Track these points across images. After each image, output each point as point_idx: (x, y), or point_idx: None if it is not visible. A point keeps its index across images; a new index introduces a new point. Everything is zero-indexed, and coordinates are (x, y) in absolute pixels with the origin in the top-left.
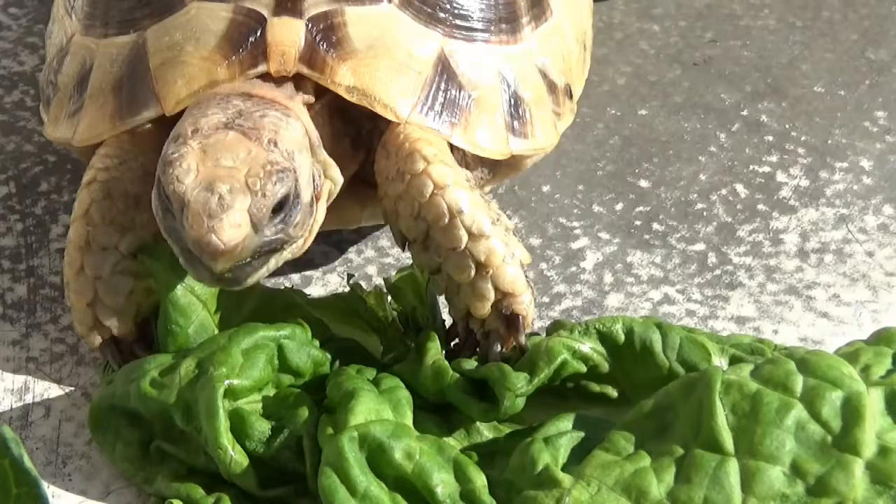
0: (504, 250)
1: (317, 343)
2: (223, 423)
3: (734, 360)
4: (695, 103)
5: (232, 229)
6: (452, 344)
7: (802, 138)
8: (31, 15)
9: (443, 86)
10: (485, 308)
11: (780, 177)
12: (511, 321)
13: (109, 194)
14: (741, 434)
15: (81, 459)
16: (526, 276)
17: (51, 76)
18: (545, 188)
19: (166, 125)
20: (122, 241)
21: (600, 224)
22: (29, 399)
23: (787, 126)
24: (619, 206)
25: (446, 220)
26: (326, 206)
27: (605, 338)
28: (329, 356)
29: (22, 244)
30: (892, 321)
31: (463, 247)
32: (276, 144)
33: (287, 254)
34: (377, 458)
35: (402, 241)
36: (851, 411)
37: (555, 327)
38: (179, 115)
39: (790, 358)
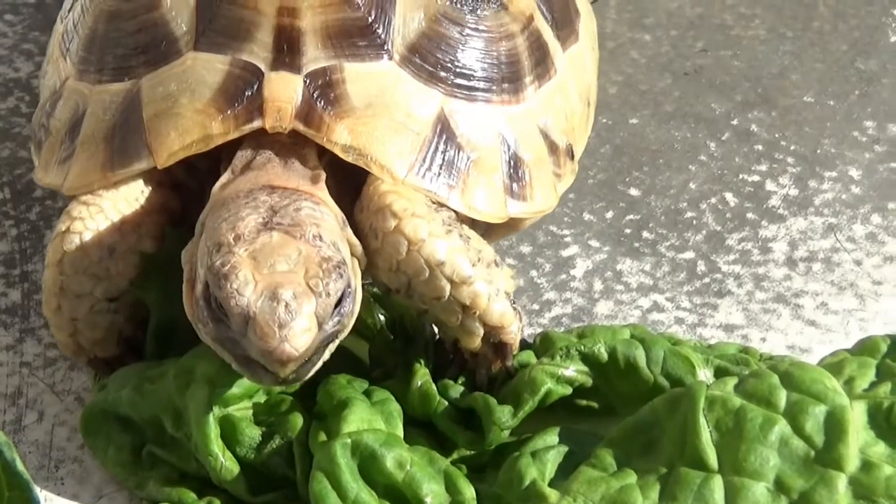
0: (488, 290)
1: None
2: (213, 430)
3: (719, 372)
4: (685, 112)
5: (303, 335)
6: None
7: (792, 147)
8: (27, 22)
9: (441, 147)
10: (474, 342)
11: (770, 186)
12: (499, 348)
13: (83, 246)
14: (725, 451)
15: (74, 464)
16: (513, 305)
17: (43, 119)
18: None
19: (152, 176)
20: (97, 289)
21: (590, 232)
22: (22, 403)
23: (776, 135)
24: (609, 215)
25: (426, 275)
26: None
27: (587, 358)
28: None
29: (16, 249)
30: (880, 330)
31: (447, 296)
32: (321, 238)
33: (337, 342)
34: (369, 465)
35: (386, 290)
36: (834, 426)
37: (543, 342)
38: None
39: (774, 370)
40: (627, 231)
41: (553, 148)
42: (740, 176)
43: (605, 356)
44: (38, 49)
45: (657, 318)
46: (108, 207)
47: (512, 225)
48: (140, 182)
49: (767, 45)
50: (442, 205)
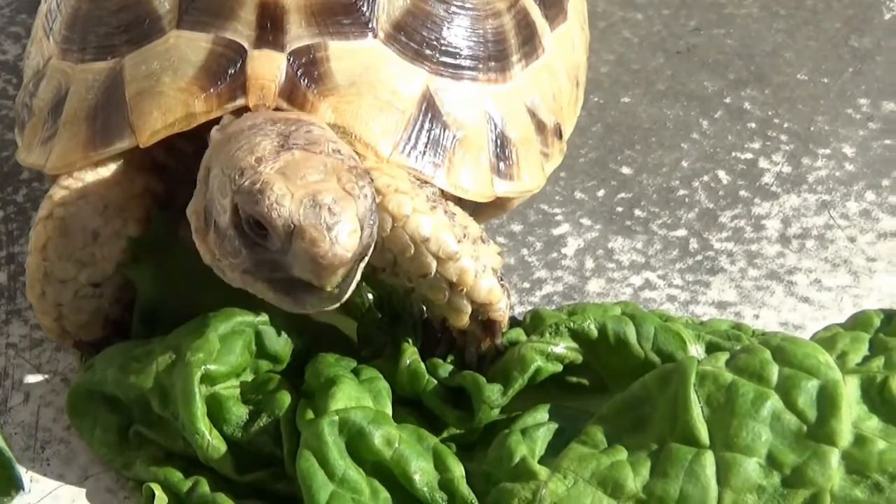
0: (475, 266)
1: (294, 329)
2: (200, 408)
3: (711, 348)
4: (678, 91)
5: (351, 236)
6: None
7: (785, 125)
8: (14, 4)
9: (427, 125)
10: (462, 320)
11: (763, 163)
12: (488, 326)
13: (66, 231)
14: (717, 426)
15: (60, 444)
16: (500, 281)
17: (26, 99)
18: None
19: (135, 158)
20: (81, 274)
21: (582, 210)
22: (8, 385)
23: (769, 113)
24: (600, 193)
25: (412, 251)
26: None
27: (577, 335)
28: (307, 342)
29: (3, 231)
30: (874, 306)
31: (433, 273)
32: (340, 152)
33: (366, 259)
34: (357, 443)
35: (372, 269)
36: (827, 401)
37: (533, 319)
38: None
39: (766, 345)
40: (619, 209)
41: (541, 127)
42: (733, 154)
43: (595, 332)
44: (25, 32)
45: (649, 295)
46: (90, 192)
47: (500, 205)
48: (122, 165)
49: (760, 23)
50: (426, 182)
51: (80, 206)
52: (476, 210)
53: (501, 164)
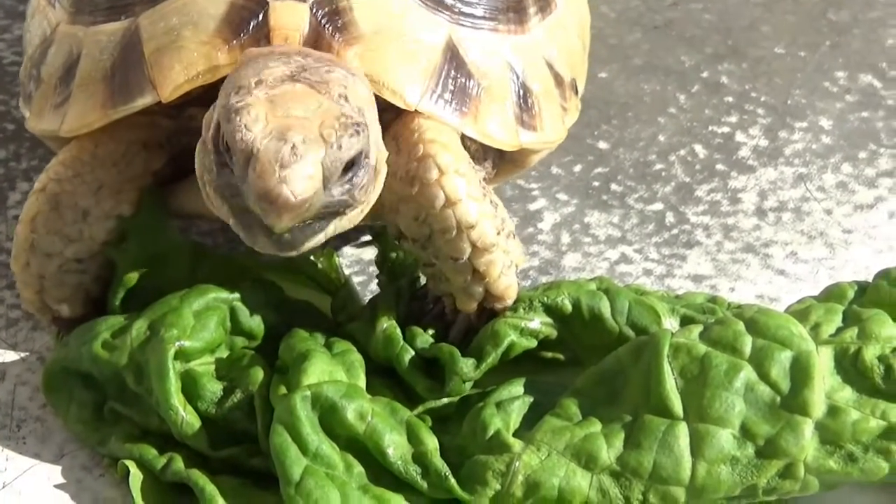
0: (504, 260)
1: (270, 305)
2: (174, 385)
3: (685, 321)
4: (655, 66)
5: (304, 180)
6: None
7: (762, 99)
8: None
9: (452, 73)
10: (470, 306)
11: (740, 137)
12: (485, 313)
13: (57, 206)
14: (690, 398)
15: (36, 423)
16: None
17: (32, 70)
18: None
19: (140, 136)
20: (67, 249)
21: (558, 185)
22: None
23: (746, 87)
24: (577, 168)
25: (453, 234)
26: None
27: (551, 310)
28: (283, 318)
29: None
30: (849, 278)
31: (465, 258)
32: (346, 99)
33: (345, 221)
34: (329, 417)
35: (399, 236)
36: (800, 371)
37: None
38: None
39: (740, 317)
40: (595, 184)
41: (559, 80)
42: (710, 128)
43: (568, 307)
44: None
45: (625, 269)
46: (86, 172)
47: (519, 161)
48: (122, 146)
49: None
50: (475, 162)
51: (74, 184)
52: (495, 165)
53: (525, 115)
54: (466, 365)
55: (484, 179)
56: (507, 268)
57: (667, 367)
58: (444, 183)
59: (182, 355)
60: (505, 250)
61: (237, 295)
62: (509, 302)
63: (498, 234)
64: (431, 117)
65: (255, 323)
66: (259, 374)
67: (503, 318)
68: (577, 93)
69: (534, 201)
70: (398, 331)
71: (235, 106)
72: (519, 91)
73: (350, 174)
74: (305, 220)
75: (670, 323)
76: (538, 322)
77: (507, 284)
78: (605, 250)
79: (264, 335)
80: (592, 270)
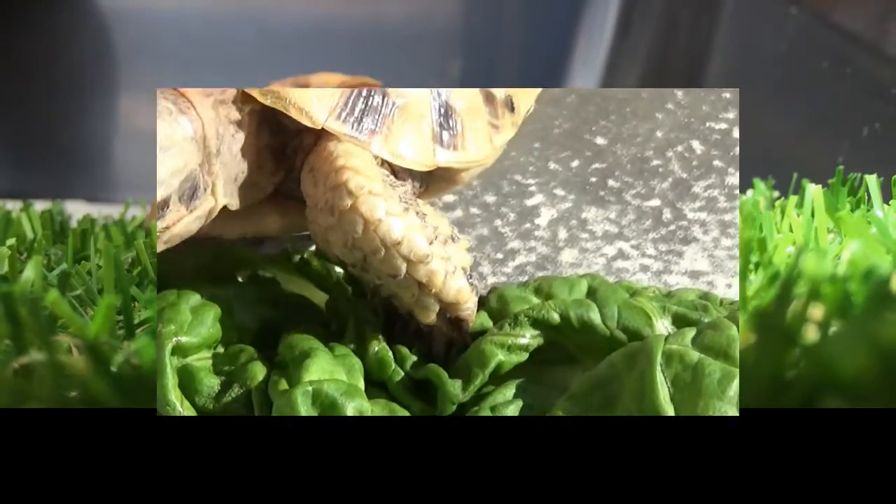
0: (444, 267)
1: (266, 301)
2: (171, 380)
3: (678, 319)
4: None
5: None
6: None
7: None
8: None
9: (364, 92)
10: (430, 318)
11: (737, 133)
12: (455, 323)
13: None
14: (683, 407)
15: None
16: (469, 281)
17: None
18: None
19: None
20: None
21: (556, 181)
22: None
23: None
24: (575, 164)
25: (382, 253)
26: (209, 220)
27: (539, 323)
28: (279, 314)
29: None
30: None
31: (402, 274)
32: (224, 103)
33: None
34: (329, 414)
35: (340, 264)
36: None
37: (499, 301)
38: None
39: (733, 319)
40: (593, 179)
41: (489, 98)
42: (707, 124)
43: (556, 319)
44: None
45: (622, 265)
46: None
47: (449, 178)
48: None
49: None
50: (398, 178)
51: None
52: (424, 182)
53: (445, 134)
54: (455, 387)
55: (412, 193)
56: (450, 274)
57: (659, 377)
58: (359, 207)
59: (179, 350)
60: (443, 257)
61: (234, 291)
62: (466, 306)
63: (431, 243)
64: (341, 138)
65: (252, 319)
66: (258, 369)
67: (490, 336)
68: (512, 110)
69: (531, 197)
70: (389, 354)
71: None
72: (440, 109)
73: None
74: None
75: (662, 324)
76: (528, 337)
77: (456, 289)
78: (602, 246)
79: (260, 330)
80: (589, 266)
